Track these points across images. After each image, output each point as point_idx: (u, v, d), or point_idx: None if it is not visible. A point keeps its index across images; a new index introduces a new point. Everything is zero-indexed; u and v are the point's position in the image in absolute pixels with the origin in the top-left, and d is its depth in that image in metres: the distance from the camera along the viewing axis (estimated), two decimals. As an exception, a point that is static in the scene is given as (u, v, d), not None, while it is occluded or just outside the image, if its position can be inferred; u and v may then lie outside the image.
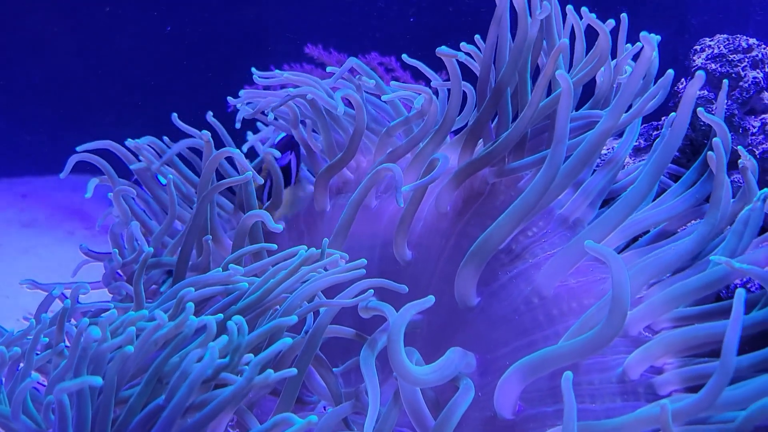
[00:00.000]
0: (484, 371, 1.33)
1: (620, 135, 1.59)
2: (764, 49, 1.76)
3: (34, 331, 1.15)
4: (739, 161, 1.36)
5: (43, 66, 3.89)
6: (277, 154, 1.59)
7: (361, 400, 1.22)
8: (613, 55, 1.55)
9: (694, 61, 1.77)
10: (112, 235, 1.61)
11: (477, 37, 1.65)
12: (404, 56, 1.71)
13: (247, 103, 1.75)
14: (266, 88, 1.79)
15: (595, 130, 1.35)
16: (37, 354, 1.14)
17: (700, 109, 1.41)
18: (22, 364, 1.12)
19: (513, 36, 1.46)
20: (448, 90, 1.60)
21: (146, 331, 1.04)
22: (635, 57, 1.51)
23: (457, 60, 1.51)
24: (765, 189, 1.28)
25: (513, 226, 1.31)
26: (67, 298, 1.27)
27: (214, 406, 1.03)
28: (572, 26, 1.57)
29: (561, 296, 1.33)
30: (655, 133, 1.84)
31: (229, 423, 1.16)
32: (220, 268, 1.30)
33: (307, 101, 1.66)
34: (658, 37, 1.47)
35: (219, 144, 1.62)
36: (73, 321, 1.28)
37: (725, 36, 1.77)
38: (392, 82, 1.69)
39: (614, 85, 1.56)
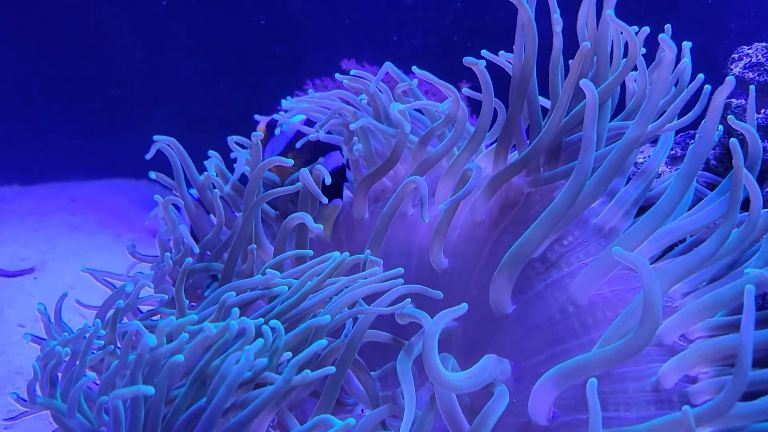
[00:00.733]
0: (519, 378, 1.34)
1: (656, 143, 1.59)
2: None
3: (90, 331, 1.21)
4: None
5: (95, 75, 4.00)
6: (327, 176, 1.53)
7: (398, 404, 1.24)
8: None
9: (731, 69, 1.76)
10: (160, 242, 1.64)
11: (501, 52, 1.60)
12: (414, 68, 1.62)
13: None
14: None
15: (624, 138, 1.34)
16: (93, 353, 1.20)
17: (730, 117, 1.38)
18: (77, 362, 1.17)
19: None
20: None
21: (195, 341, 1.08)
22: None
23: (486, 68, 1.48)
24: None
25: (545, 234, 1.32)
26: (120, 298, 1.32)
27: (255, 406, 1.06)
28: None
29: (596, 305, 1.33)
30: (691, 141, 1.83)
31: (271, 423, 1.19)
32: (260, 274, 1.34)
33: (349, 113, 1.65)
34: (689, 43, 1.45)
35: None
36: (125, 320, 1.32)
37: (764, 44, 1.75)
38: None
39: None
